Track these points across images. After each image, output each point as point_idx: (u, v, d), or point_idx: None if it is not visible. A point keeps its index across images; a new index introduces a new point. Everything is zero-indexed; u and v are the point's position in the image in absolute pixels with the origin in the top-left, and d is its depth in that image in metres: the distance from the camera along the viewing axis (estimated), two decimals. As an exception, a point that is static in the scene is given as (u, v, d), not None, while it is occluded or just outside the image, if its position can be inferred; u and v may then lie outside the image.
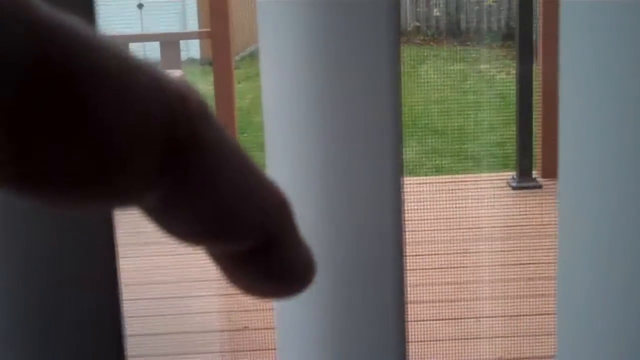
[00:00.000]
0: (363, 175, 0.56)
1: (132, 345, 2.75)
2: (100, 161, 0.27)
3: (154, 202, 0.29)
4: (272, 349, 2.64)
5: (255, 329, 2.85)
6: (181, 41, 4.22)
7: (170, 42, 4.05)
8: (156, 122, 0.28)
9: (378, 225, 0.58)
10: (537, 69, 3.78)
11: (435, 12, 4.90)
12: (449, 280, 2.97)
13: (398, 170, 0.56)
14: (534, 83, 3.75)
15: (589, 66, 0.51)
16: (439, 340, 2.70)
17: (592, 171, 0.52)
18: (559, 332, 0.56)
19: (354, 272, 0.59)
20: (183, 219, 0.30)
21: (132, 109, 0.27)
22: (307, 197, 0.58)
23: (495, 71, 4.76)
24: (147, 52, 4.77)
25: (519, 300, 2.97)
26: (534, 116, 3.74)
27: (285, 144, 0.58)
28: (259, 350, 2.73)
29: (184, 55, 4.43)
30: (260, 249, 0.31)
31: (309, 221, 0.58)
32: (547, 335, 2.74)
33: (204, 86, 4.56)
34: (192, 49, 5.15)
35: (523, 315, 2.89)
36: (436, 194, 3.29)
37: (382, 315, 0.59)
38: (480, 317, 2.88)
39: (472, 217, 3.36)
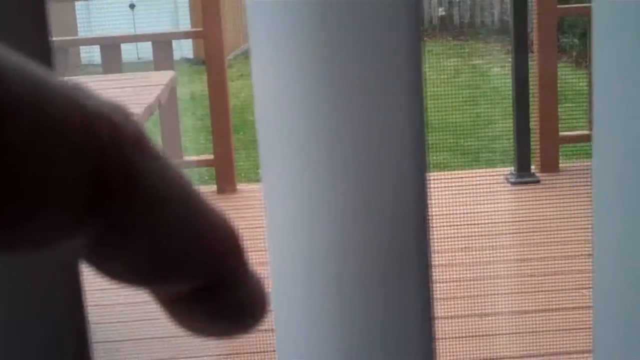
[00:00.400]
0: (379, 175, 0.53)
1: (127, 350, 2.72)
2: (13, 198, 0.24)
3: (85, 242, 0.26)
4: (271, 351, 2.63)
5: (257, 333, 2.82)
6: (174, 41, 4.20)
7: (162, 42, 4.03)
8: (80, 154, 0.25)
9: (399, 227, 0.55)
10: (533, 61, 3.77)
11: (441, 10, 4.89)
12: (449, 277, 2.96)
13: (422, 169, 0.54)
14: (530, 76, 3.74)
15: (621, 56, 0.49)
16: (446, 338, 2.68)
17: (629, 158, 0.50)
18: (595, 326, 0.54)
19: (376, 271, 0.56)
20: (119, 261, 0.27)
21: (49, 141, 0.24)
22: (314, 199, 0.55)
23: (490, 65, 4.76)
24: (140, 52, 4.75)
25: (521, 296, 2.96)
26: (530, 110, 3.73)
27: (285, 146, 0.55)
28: (258, 352, 2.71)
29: (176, 55, 4.41)
30: (207, 289, 0.29)
31: (316, 223, 0.56)
32: (554, 331, 2.73)
33: (198, 85, 4.55)
34: (184, 49, 5.13)
35: (528, 313, 2.87)
36: (433, 190, 3.27)
37: (407, 316, 0.57)
38: (483, 315, 2.86)
39: (471, 213, 3.34)
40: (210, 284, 0.28)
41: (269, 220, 0.56)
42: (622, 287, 0.53)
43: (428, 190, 0.55)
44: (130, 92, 3.00)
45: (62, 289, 0.65)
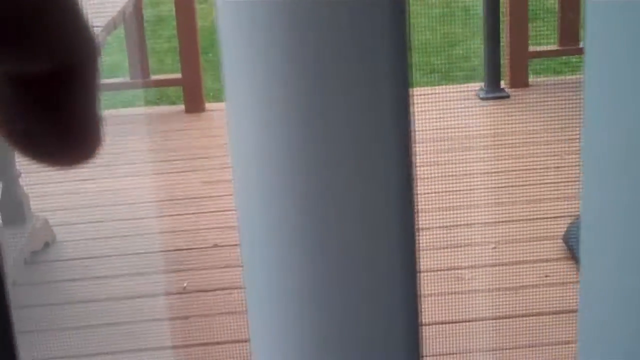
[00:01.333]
0: (356, 96, 0.54)
1: (98, 266, 2.67)
2: None
3: None
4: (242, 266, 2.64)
5: (225, 246, 2.84)
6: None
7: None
8: None
9: (381, 147, 0.56)
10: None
11: None
12: (419, 191, 2.97)
13: (405, 85, 0.54)
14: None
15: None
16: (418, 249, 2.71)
17: (621, 72, 0.52)
18: (584, 238, 0.56)
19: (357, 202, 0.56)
20: None
21: None
22: (283, 121, 0.55)
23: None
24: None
25: (493, 207, 2.99)
26: (501, 28, 3.72)
27: (251, 69, 0.55)
28: (229, 267, 2.72)
29: (144, -24, 4.33)
30: (52, 82, 0.29)
31: (284, 147, 0.56)
32: (526, 240, 2.76)
33: (166, 7, 4.49)
34: (151, -32, 5.04)
35: (501, 223, 2.91)
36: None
37: (389, 229, 0.58)
38: (455, 226, 2.89)
39: (441, 128, 3.34)
40: (57, 75, 0.28)
41: (233, 145, 0.56)
42: (611, 198, 0.55)
43: (412, 110, 0.55)
44: (93, 6, 2.94)
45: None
